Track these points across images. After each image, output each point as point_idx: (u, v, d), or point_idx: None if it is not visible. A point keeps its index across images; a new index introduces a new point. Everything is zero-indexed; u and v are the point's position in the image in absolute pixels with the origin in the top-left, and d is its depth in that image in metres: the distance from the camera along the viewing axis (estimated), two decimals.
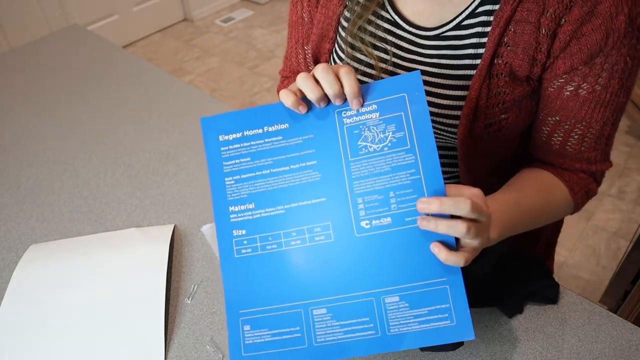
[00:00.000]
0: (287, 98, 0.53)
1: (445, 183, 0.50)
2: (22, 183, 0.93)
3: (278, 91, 0.89)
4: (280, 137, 0.55)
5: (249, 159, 0.55)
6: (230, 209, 0.55)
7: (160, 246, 0.76)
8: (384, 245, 0.51)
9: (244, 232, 0.54)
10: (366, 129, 0.53)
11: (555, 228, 0.85)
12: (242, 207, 0.55)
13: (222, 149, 0.56)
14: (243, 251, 0.54)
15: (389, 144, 0.52)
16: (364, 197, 0.52)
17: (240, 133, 0.56)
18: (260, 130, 0.55)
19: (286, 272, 0.52)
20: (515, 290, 0.65)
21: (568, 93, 0.59)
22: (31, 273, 0.74)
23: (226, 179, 0.56)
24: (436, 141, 0.67)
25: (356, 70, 0.68)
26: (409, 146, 0.51)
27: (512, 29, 0.58)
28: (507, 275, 0.66)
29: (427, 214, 0.49)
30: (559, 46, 0.57)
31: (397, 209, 0.51)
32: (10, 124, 1.08)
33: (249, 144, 0.55)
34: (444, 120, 0.64)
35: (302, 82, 0.52)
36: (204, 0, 3.49)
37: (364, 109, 0.53)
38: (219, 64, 3.05)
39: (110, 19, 3.11)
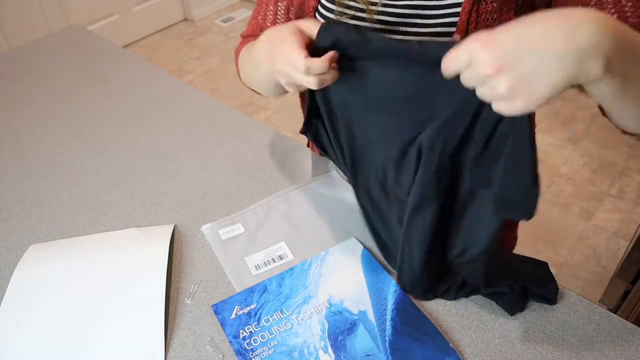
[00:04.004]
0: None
1: None
2: (22, 183, 0.93)
3: (237, 53, 0.85)
4: None
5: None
6: None
7: (160, 246, 0.76)
8: None
9: None
10: None
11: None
12: None
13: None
14: None
15: None
16: None
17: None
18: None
19: None
20: (517, 282, 0.65)
21: None
22: (31, 273, 0.74)
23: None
24: None
25: (347, 15, 0.68)
26: None
27: None
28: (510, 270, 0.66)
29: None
30: None
31: None
32: (10, 123, 1.08)
33: None
34: None
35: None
36: (204, 0, 3.49)
37: None
38: (219, 64, 3.05)
39: (110, 19, 3.11)
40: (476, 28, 0.61)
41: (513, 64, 0.41)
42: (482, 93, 0.45)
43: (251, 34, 0.83)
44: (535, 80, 0.41)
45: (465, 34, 0.61)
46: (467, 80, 0.46)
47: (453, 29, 0.63)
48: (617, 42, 0.40)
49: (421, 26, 0.65)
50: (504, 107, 0.44)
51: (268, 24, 0.79)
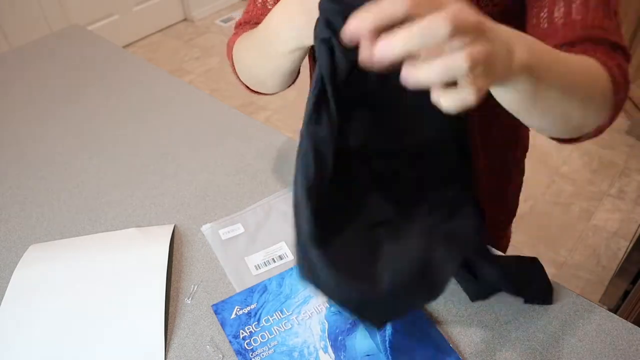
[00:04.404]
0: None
1: None
2: (22, 183, 0.93)
3: (230, 45, 0.76)
4: None
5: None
6: None
7: (160, 246, 0.76)
8: None
9: None
10: None
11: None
12: None
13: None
14: None
15: None
16: None
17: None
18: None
19: None
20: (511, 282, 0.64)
21: None
22: (31, 273, 0.74)
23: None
24: None
25: None
26: None
27: None
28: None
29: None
30: None
31: None
32: (10, 124, 1.08)
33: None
34: None
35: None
36: (204, 0, 3.49)
37: None
38: (219, 64, 3.05)
39: (110, 19, 3.11)
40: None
41: (491, 29, 0.37)
42: (450, 63, 0.34)
43: (249, 21, 0.74)
44: (499, 58, 0.38)
45: None
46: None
47: None
48: (536, 59, 0.42)
49: None
50: (469, 85, 0.35)
51: (270, 8, 0.70)
